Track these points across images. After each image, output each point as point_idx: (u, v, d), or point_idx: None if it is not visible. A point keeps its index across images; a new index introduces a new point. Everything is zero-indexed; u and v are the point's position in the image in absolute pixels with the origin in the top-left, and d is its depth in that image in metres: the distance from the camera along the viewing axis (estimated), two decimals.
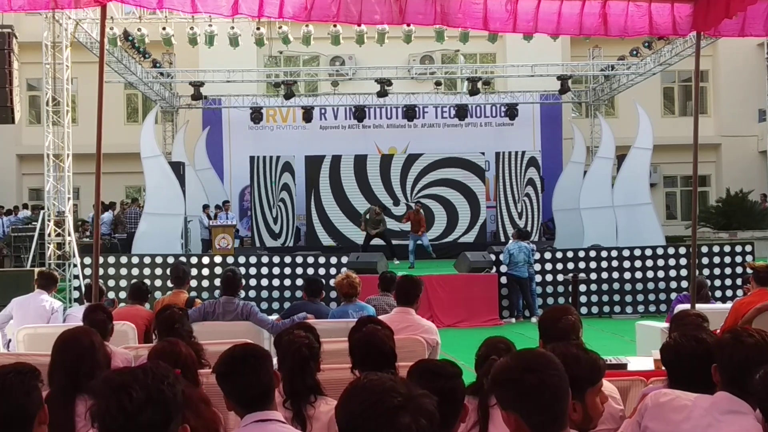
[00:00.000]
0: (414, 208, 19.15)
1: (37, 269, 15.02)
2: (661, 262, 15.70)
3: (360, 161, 23.16)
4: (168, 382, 2.13)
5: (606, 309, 15.60)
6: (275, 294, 14.99)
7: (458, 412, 2.93)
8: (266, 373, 3.21)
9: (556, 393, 2.42)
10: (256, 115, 24.24)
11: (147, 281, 13.63)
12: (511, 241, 15.28)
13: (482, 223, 23.02)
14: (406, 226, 19.45)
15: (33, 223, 19.14)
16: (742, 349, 3.14)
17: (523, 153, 23.06)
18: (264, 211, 22.90)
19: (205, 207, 21.42)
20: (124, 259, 15.21)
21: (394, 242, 19.43)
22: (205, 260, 15.25)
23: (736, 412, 2.98)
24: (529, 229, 20.86)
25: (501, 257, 15.14)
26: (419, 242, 18.37)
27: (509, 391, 2.46)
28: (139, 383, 2.09)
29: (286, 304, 13.32)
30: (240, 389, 3.14)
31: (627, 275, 15.66)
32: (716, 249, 15.97)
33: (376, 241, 19.13)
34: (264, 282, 15.02)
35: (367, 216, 19.25)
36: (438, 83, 25.00)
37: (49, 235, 16.08)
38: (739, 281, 14.83)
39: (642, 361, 6.04)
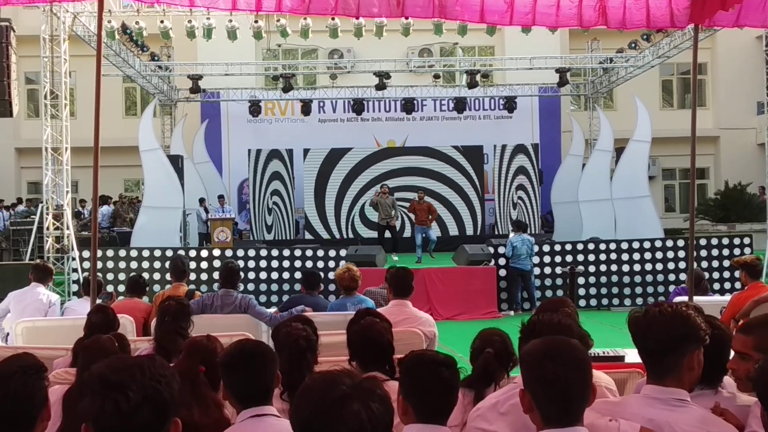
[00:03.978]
0: (417, 197, 18.93)
1: (35, 263, 15.03)
2: (659, 255, 15.71)
3: (358, 154, 23.15)
4: (165, 381, 2.06)
5: (604, 301, 15.63)
6: (274, 287, 14.99)
7: (456, 401, 2.94)
8: (270, 374, 3.22)
9: (572, 387, 2.42)
10: (255, 108, 24.24)
11: (145, 275, 13.65)
12: (513, 234, 15.29)
13: (481, 215, 23.05)
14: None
15: (31, 216, 19.14)
16: (661, 323, 2.77)
17: (523, 146, 23.15)
18: (263, 204, 22.94)
19: (202, 200, 21.42)
20: (122, 253, 15.20)
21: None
22: (204, 253, 15.26)
23: (676, 406, 2.71)
24: (525, 221, 20.84)
25: (505, 250, 15.18)
26: (425, 235, 18.14)
27: (529, 373, 2.49)
28: (136, 383, 2.00)
29: (285, 297, 13.31)
30: (240, 385, 3.15)
31: (625, 268, 15.67)
32: (714, 241, 15.99)
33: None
34: (262, 275, 15.02)
35: (378, 203, 18.76)
36: (436, 76, 24.97)
37: (48, 228, 16.07)
38: (737, 273, 14.84)
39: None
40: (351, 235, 22.09)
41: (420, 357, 3.10)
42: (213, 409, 3.58)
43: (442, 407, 2.89)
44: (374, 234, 19.55)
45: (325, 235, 22.34)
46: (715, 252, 15.78)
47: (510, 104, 24.68)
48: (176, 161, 19.97)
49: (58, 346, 5.54)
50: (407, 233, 19.93)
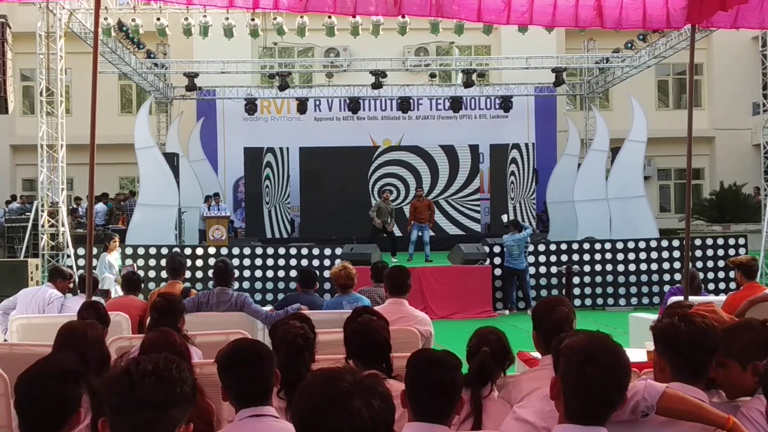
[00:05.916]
0: (415, 194, 18.73)
1: (30, 260, 15.02)
2: (654, 255, 15.73)
3: (354, 153, 23.14)
4: (177, 366, 2.16)
5: (599, 301, 15.65)
6: (269, 285, 14.97)
7: (455, 403, 2.94)
8: (267, 374, 3.20)
9: (607, 393, 2.42)
10: (251, 106, 24.20)
11: (141, 272, 13.64)
12: (506, 235, 15.33)
13: (476, 215, 23.06)
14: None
15: (26, 213, 19.11)
16: (694, 330, 2.89)
17: (523, 145, 23.15)
18: (258, 203, 22.91)
19: (207, 198, 21.39)
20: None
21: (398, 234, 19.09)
22: (199, 251, 15.23)
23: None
24: (521, 220, 20.81)
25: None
26: (420, 234, 17.97)
27: (568, 368, 2.48)
28: (150, 359, 2.14)
29: (280, 296, 13.32)
30: (238, 386, 3.14)
31: (620, 268, 15.69)
32: (709, 242, 16.01)
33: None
34: (258, 273, 15.00)
35: (380, 207, 18.50)
36: (433, 75, 24.99)
37: (43, 225, 16.05)
38: (731, 274, 14.87)
39: (635, 353, 6.05)
40: (346, 234, 22.04)
41: (418, 356, 3.10)
42: (199, 398, 3.58)
43: (437, 407, 2.87)
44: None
45: (321, 234, 22.29)
46: (710, 252, 15.81)
47: (506, 103, 24.68)
48: (172, 159, 19.93)
49: (51, 343, 5.51)
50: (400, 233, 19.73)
